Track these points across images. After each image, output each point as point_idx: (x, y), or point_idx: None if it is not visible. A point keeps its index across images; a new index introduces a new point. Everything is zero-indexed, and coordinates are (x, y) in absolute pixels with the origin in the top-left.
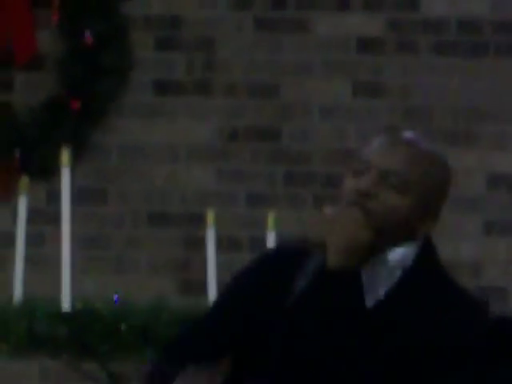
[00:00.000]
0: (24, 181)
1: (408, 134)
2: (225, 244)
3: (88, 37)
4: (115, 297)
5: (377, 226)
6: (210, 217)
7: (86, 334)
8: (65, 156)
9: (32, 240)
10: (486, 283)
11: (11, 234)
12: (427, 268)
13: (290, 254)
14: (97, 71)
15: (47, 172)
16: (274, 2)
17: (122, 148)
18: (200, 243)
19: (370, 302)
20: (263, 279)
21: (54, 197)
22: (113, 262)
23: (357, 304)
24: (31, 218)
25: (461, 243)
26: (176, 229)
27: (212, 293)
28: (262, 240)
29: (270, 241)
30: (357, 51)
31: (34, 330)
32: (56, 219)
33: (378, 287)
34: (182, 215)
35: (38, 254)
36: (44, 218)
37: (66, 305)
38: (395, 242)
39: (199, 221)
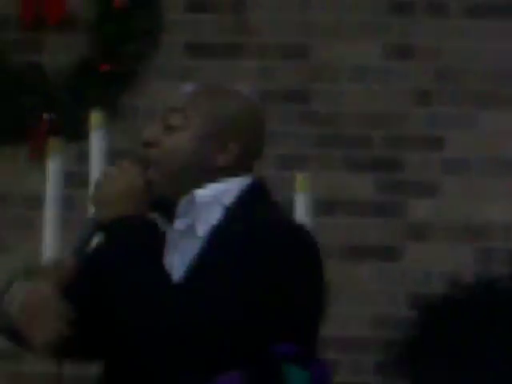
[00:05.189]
0: (54, 143)
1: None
2: None
3: None
4: None
5: (165, 171)
6: None
7: None
8: (95, 118)
9: (62, 203)
10: None
11: (41, 196)
12: (249, 204)
13: None
14: (128, 33)
15: (77, 134)
16: None
17: (152, 110)
18: None
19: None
20: None
21: (85, 159)
22: None
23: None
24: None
25: (493, 205)
26: None
27: None
28: (292, 202)
29: (300, 202)
30: (387, 13)
31: None
32: (86, 182)
33: (196, 224)
34: None
35: (68, 218)
36: (74, 181)
37: None
38: (203, 179)
39: None
